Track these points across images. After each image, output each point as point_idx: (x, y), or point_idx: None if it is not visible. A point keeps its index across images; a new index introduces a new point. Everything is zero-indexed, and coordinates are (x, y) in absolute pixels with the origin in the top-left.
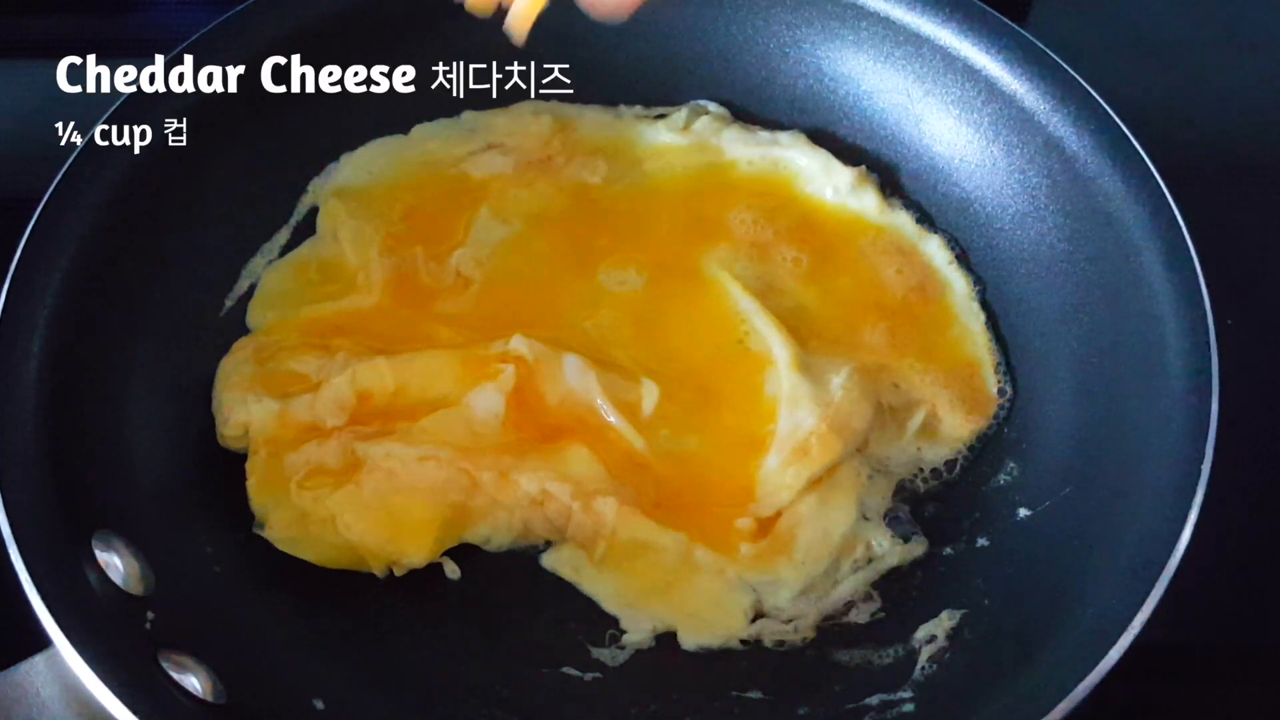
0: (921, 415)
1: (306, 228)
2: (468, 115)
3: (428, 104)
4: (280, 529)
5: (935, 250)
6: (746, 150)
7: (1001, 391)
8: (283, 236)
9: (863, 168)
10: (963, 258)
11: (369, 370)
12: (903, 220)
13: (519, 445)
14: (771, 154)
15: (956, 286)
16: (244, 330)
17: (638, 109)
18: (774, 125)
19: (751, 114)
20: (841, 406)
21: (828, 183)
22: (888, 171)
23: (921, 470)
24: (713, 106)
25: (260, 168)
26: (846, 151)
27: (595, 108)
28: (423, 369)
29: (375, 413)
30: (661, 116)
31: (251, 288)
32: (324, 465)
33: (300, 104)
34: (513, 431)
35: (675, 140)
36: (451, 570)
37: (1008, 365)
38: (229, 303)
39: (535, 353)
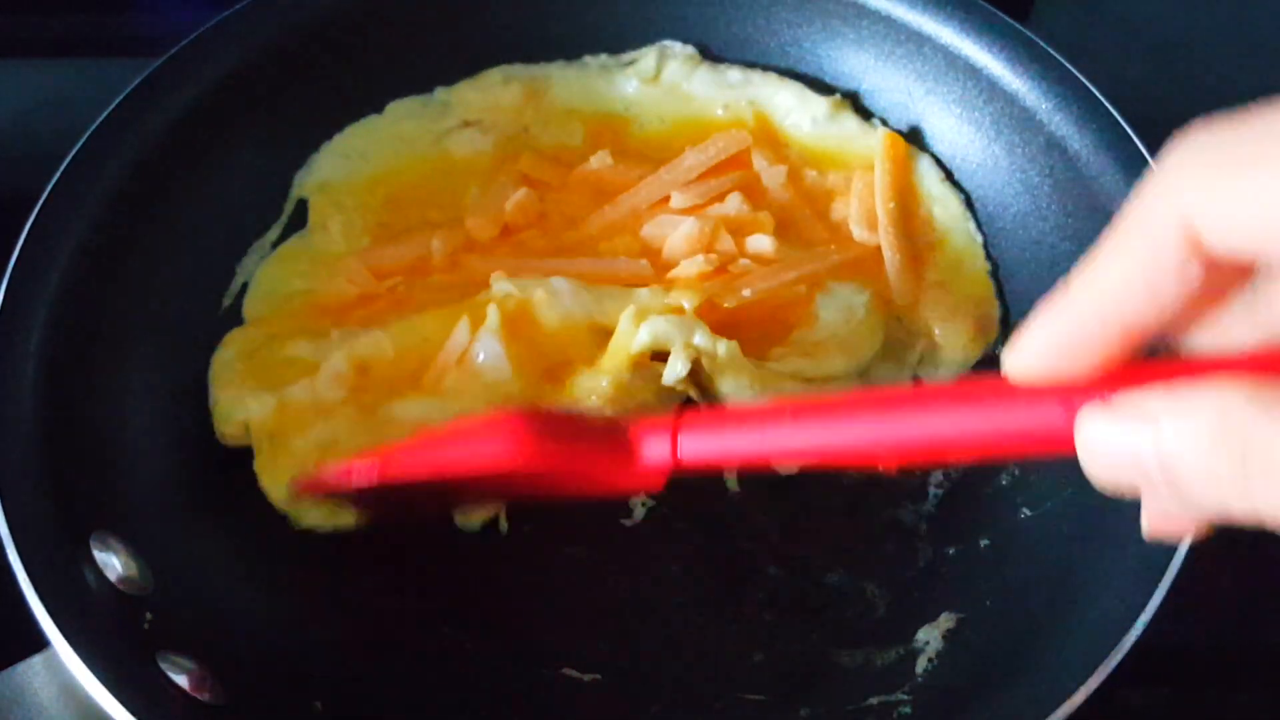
0: (919, 349)
1: (296, 221)
2: (439, 90)
3: (397, 80)
4: (313, 513)
5: (926, 169)
6: (720, 93)
7: (1004, 320)
8: (274, 233)
9: (837, 95)
10: (951, 177)
11: (367, 342)
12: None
13: (536, 383)
14: (746, 94)
15: (949, 207)
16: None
17: (603, 58)
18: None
19: None
20: (860, 326)
21: (805, 114)
22: None
23: None
24: (678, 47)
25: (247, 167)
26: None
27: (561, 64)
28: (419, 331)
29: (378, 382)
30: (630, 64)
31: (246, 285)
32: (337, 440)
33: (276, 98)
34: (523, 371)
35: (648, 91)
36: (502, 525)
37: None
38: (226, 301)
39: (519, 285)
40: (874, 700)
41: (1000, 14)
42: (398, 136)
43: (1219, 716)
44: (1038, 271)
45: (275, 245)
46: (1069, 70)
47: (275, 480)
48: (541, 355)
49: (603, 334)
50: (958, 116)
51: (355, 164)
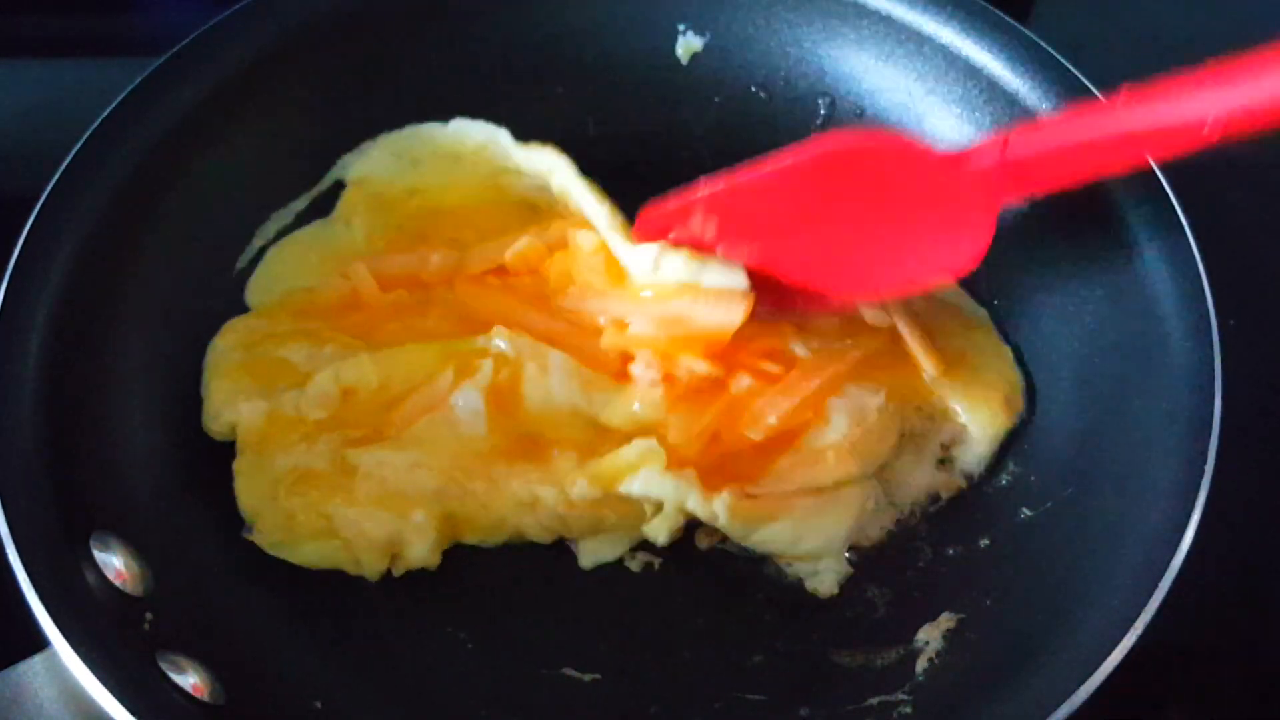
0: (941, 436)
1: (326, 199)
2: (510, 138)
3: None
4: (269, 533)
5: None
6: None
7: (1029, 394)
8: (300, 204)
9: None
10: None
11: (353, 366)
12: None
13: (507, 450)
14: None
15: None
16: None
17: None
18: (772, 123)
19: (750, 113)
20: (872, 428)
21: None
22: None
23: (939, 498)
24: None
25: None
26: None
27: None
28: (404, 363)
29: (361, 409)
30: None
31: (254, 264)
32: (313, 469)
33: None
34: (498, 434)
35: None
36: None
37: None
38: (239, 265)
39: (518, 347)
40: (874, 700)
41: (1000, 14)
42: (455, 155)
43: (1219, 716)
44: (1038, 271)
45: (299, 218)
46: (1069, 70)
47: (248, 488)
48: (519, 424)
49: (585, 419)
50: (958, 116)
51: (404, 167)
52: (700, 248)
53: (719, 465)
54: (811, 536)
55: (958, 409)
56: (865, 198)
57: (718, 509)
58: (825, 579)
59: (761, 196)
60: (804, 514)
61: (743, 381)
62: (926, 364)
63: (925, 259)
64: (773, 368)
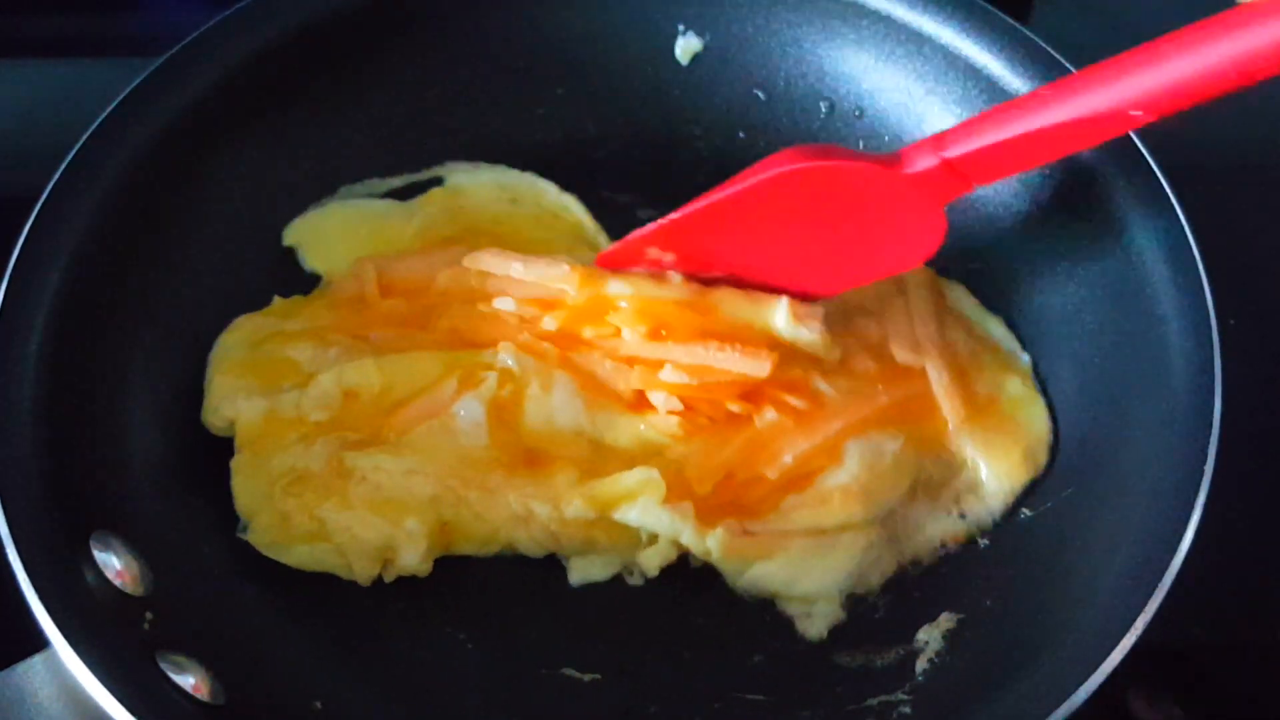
0: (957, 485)
1: (411, 190)
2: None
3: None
4: (263, 533)
5: (960, 296)
6: None
7: (1054, 446)
8: (396, 182)
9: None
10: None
11: (357, 369)
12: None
13: (506, 463)
14: None
15: (990, 327)
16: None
17: None
18: (772, 124)
19: (750, 114)
20: (884, 473)
21: None
22: None
23: (945, 545)
24: None
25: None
26: None
27: None
28: (409, 369)
29: (362, 412)
30: None
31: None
32: (309, 471)
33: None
34: (498, 446)
35: None
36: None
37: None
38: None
39: (522, 365)
40: (874, 700)
41: (1000, 14)
42: (555, 213)
43: (1219, 716)
44: (1039, 270)
45: (389, 194)
46: (1069, 70)
47: (245, 487)
48: (519, 438)
49: (588, 439)
50: (958, 116)
51: (502, 201)
52: (662, 269)
53: (725, 502)
54: (807, 579)
55: (977, 459)
56: (812, 212)
57: (711, 546)
58: (816, 622)
59: (710, 225)
60: (801, 554)
61: (768, 415)
62: (950, 410)
63: (881, 256)
64: (799, 403)
